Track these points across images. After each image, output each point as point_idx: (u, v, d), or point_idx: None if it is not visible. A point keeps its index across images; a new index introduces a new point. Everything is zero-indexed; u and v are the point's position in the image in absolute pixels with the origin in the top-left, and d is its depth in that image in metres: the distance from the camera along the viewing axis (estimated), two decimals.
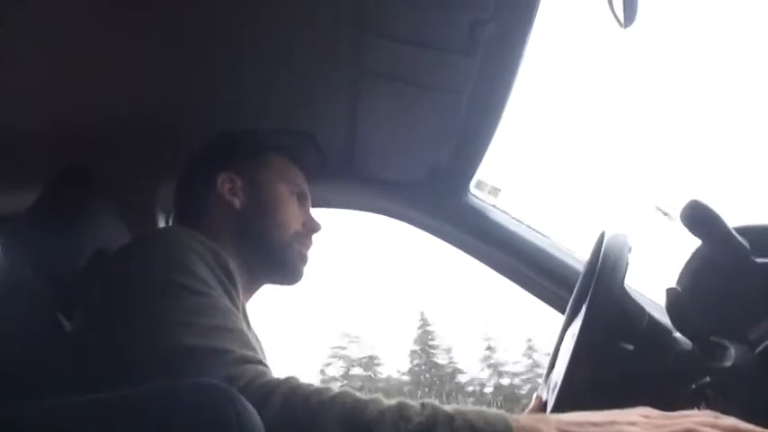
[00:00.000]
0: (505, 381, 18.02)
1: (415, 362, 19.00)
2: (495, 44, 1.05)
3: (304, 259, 1.17)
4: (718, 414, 0.72)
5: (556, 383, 0.97)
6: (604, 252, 0.95)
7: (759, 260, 0.86)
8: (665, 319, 0.95)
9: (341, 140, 1.37)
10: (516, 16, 1.01)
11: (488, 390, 17.86)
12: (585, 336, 0.91)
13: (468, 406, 0.75)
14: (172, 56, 1.13)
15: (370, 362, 19.17)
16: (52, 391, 0.73)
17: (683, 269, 0.97)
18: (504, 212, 1.51)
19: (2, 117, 1.23)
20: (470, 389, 18.19)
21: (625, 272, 0.94)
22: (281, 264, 1.14)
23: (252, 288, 1.13)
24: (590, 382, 0.90)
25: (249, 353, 0.81)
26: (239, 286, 0.95)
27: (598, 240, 1.07)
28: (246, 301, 1.07)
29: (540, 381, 1.20)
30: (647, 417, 0.72)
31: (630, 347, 0.97)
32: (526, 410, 1.13)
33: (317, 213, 1.24)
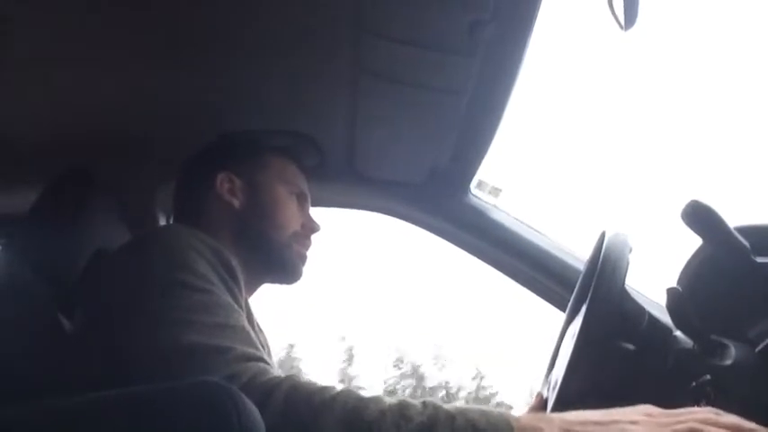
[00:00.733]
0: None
1: None
2: (495, 44, 1.05)
3: (303, 259, 1.17)
4: (720, 411, 0.72)
5: (556, 382, 0.97)
6: (605, 252, 0.95)
7: (759, 260, 0.86)
8: (665, 318, 0.95)
9: (341, 141, 1.37)
10: (516, 16, 1.01)
11: None
12: (586, 335, 0.91)
13: (470, 405, 0.76)
14: (172, 56, 1.13)
15: None
16: (52, 391, 0.73)
17: (684, 268, 0.97)
18: (505, 212, 1.51)
19: (2, 117, 1.23)
20: None
21: (625, 271, 0.94)
22: (281, 264, 1.14)
23: (252, 286, 1.13)
24: (590, 381, 0.91)
25: (251, 350, 0.81)
26: (242, 283, 0.95)
27: (598, 240, 1.07)
28: (248, 297, 1.08)
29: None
30: (649, 415, 0.72)
31: (631, 346, 0.97)
32: (527, 409, 1.14)
33: (316, 213, 1.25)
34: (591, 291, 0.94)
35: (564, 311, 1.19)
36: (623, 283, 0.94)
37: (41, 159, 1.24)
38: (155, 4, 1.01)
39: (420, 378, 11.17)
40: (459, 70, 1.12)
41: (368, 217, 1.59)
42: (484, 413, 0.74)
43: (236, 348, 0.80)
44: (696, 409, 0.74)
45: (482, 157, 1.41)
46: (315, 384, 0.77)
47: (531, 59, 1.11)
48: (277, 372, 0.80)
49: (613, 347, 0.95)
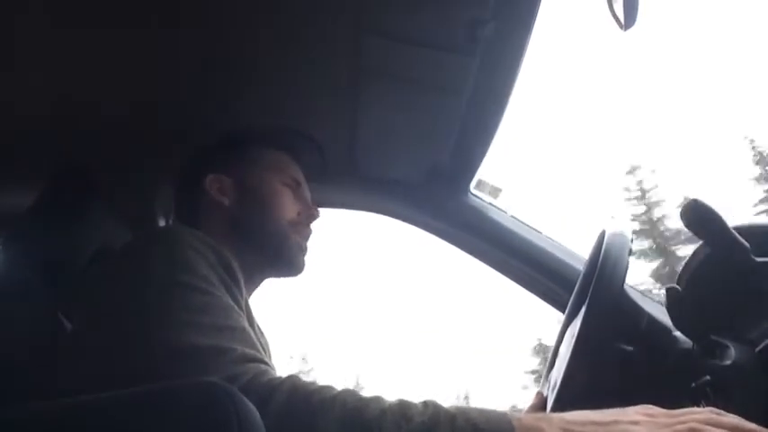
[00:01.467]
0: None
1: None
2: (495, 44, 1.05)
3: (302, 249, 1.15)
4: (721, 411, 0.72)
5: (556, 382, 0.97)
6: (604, 252, 0.95)
7: (759, 259, 0.86)
8: (665, 319, 0.95)
9: (341, 140, 1.37)
10: (516, 16, 1.01)
11: None
12: (585, 335, 0.91)
13: (470, 405, 0.75)
14: (172, 56, 1.13)
15: None
16: (52, 391, 0.73)
17: (684, 268, 0.97)
18: (505, 212, 1.51)
19: (2, 117, 1.23)
20: None
21: (625, 271, 0.94)
22: (278, 255, 1.13)
23: (254, 284, 1.13)
24: (590, 381, 0.91)
25: (252, 351, 0.81)
26: (242, 284, 0.95)
27: (598, 239, 1.07)
28: (249, 296, 1.08)
29: None
30: (649, 415, 0.72)
31: (630, 347, 0.97)
32: (526, 408, 1.14)
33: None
34: (590, 291, 0.94)
35: (564, 312, 1.19)
36: (623, 284, 0.94)
37: (41, 159, 1.23)
38: (155, 6, 1.01)
39: None
40: (459, 69, 1.12)
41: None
42: (484, 413, 0.73)
43: (237, 349, 0.80)
44: (697, 409, 0.74)
45: (482, 157, 1.41)
46: (315, 384, 0.77)
47: (531, 59, 1.11)
48: (277, 373, 0.80)
49: (613, 348, 0.95)
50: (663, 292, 0.94)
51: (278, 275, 1.17)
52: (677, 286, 0.91)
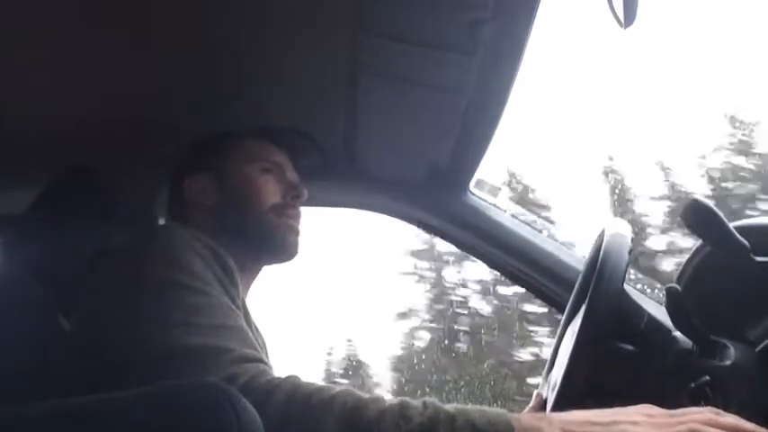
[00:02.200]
0: None
1: None
2: (495, 43, 1.05)
3: (292, 230, 1.13)
4: (720, 411, 0.72)
5: (555, 382, 0.97)
6: (604, 251, 0.95)
7: (759, 259, 0.85)
8: (664, 319, 0.95)
9: (340, 139, 1.37)
10: (516, 15, 1.01)
11: None
12: (585, 335, 0.91)
13: (470, 405, 0.75)
14: (171, 56, 1.12)
15: None
16: (52, 391, 0.73)
17: (683, 268, 0.97)
18: (505, 211, 1.51)
19: (2, 117, 1.23)
20: None
21: (625, 271, 0.94)
22: (268, 242, 1.12)
23: (250, 275, 1.13)
24: (589, 381, 0.90)
25: (250, 351, 0.81)
26: (239, 282, 0.95)
27: (598, 238, 1.07)
28: (245, 291, 1.07)
29: None
30: (649, 415, 0.72)
31: (630, 347, 0.97)
32: (526, 408, 1.14)
33: (316, 212, 1.24)
34: (590, 290, 0.94)
35: (563, 312, 1.19)
36: (622, 283, 0.94)
37: (40, 159, 1.23)
38: (154, 5, 1.00)
39: None
40: (459, 69, 1.12)
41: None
42: (484, 413, 0.73)
43: (235, 349, 0.80)
44: (696, 409, 0.74)
45: (482, 156, 1.41)
46: (314, 384, 0.77)
47: (531, 58, 1.11)
48: (276, 372, 0.80)
49: (612, 348, 0.95)
50: (663, 292, 0.93)
51: (273, 262, 1.16)
52: (677, 286, 0.91)
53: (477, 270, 9.80)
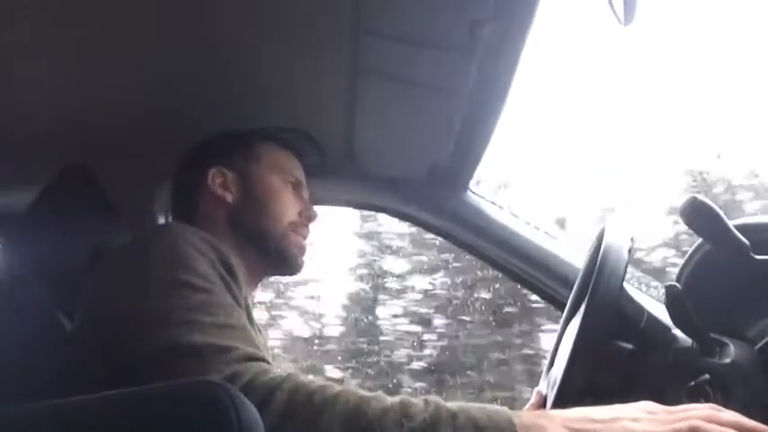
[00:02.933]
0: None
1: None
2: (494, 42, 1.05)
3: (302, 249, 1.16)
4: (721, 408, 0.72)
5: (555, 380, 0.98)
6: (604, 249, 0.95)
7: (759, 257, 0.86)
8: (664, 317, 0.95)
9: (341, 138, 1.37)
10: (516, 15, 1.01)
11: None
12: (584, 333, 0.91)
13: (472, 403, 0.76)
14: (171, 56, 1.13)
15: None
16: (52, 391, 0.73)
17: (683, 266, 0.97)
18: (505, 210, 1.51)
19: (2, 117, 1.23)
20: None
21: (624, 269, 0.94)
22: (279, 256, 1.13)
23: (253, 281, 1.13)
24: (589, 379, 0.91)
25: (252, 350, 0.81)
26: (241, 282, 0.95)
27: (598, 237, 1.07)
28: (249, 294, 1.08)
29: None
30: (650, 412, 0.72)
31: (630, 345, 0.97)
32: (527, 406, 1.14)
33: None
34: (590, 289, 0.94)
35: (563, 310, 1.19)
36: (622, 282, 0.94)
37: (40, 159, 1.23)
38: (154, 5, 1.01)
39: None
40: (459, 68, 1.12)
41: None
42: (485, 410, 0.74)
43: (238, 348, 0.80)
44: (697, 405, 0.74)
45: (481, 155, 1.41)
46: (316, 383, 0.77)
47: (531, 57, 1.11)
48: (278, 371, 0.80)
49: (612, 346, 0.95)
50: (662, 290, 0.94)
51: (276, 274, 1.18)
52: (677, 284, 0.91)
53: None
